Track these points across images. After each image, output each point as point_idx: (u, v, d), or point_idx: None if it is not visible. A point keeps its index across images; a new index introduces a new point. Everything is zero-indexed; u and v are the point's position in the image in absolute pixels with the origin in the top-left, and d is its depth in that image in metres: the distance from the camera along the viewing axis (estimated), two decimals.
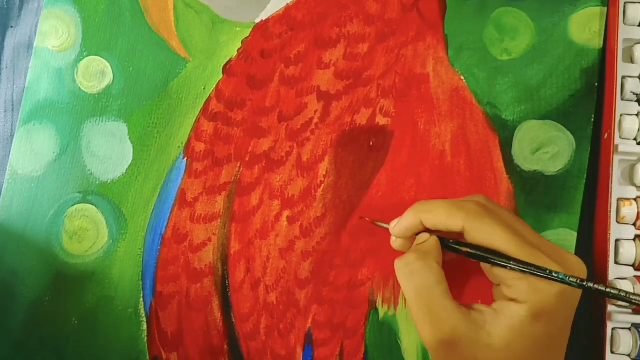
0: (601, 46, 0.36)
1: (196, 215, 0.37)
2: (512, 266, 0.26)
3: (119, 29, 0.39)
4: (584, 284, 0.25)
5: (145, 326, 0.36)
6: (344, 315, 0.35)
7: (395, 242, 0.31)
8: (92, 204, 0.37)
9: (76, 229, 0.37)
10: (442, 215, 0.28)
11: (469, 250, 0.28)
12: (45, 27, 0.39)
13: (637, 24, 0.36)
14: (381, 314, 0.35)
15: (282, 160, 0.37)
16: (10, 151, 0.38)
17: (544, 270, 0.25)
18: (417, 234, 0.30)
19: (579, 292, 0.26)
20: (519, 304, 0.26)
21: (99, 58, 0.38)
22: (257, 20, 0.38)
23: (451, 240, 0.29)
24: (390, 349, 0.35)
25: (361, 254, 0.36)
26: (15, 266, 0.37)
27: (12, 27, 0.41)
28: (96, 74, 0.38)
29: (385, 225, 0.32)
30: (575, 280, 0.25)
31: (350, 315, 0.35)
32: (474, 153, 0.36)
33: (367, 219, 0.35)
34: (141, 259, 0.37)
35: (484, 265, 0.28)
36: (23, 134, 0.38)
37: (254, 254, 0.36)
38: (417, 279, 0.27)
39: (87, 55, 0.38)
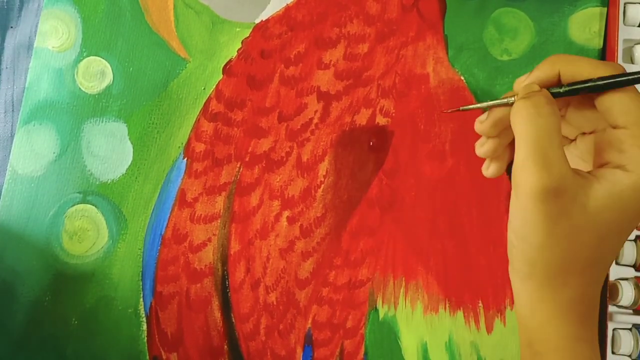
0: (601, 46, 0.36)
1: (196, 215, 0.37)
2: (630, 78, 0.24)
3: (119, 29, 0.39)
4: None
5: (145, 326, 0.36)
6: (343, 315, 0.35)
7: (485, 145, 0.30)
8: (92, 204, 0.37)
9: (76, 229, 0.37)
10: (586, 65, 0.26)
11: (574, 86, 0.26)
12: (45, 28, 0.39)
13: (637, 25, 0.36)
14: (381, 314, 0.35)
15: (282, 160, 0.37)
16: (10, 151, 0.38)
17: None
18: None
19: None
20: (625, 172, 0.25)
21: (99, 58, 0.38)
22: (257, 21, 0.38)
23: (552, 87, 0.27)
24: (390, 349, 0.35)
25: (361, 254, 0.36)
26: (15, 266, 0.37)
27: (12, 27, 0.41)
28: (96, 74, 0.38)
29: (473, 107, 0.30)
30: None
31: (350, 316, 0.35)
32: (474, 153, 0.36)
33: (449, 111, 0.31)
34: (141, 259, 0.37)
35: (573, 114, 0.28)
36: (23, 134, 0.38)
37: (253, 254, 0.36)
38: (542, 121, 0.26)
39: (87, 56, 0.38)
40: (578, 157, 0.29)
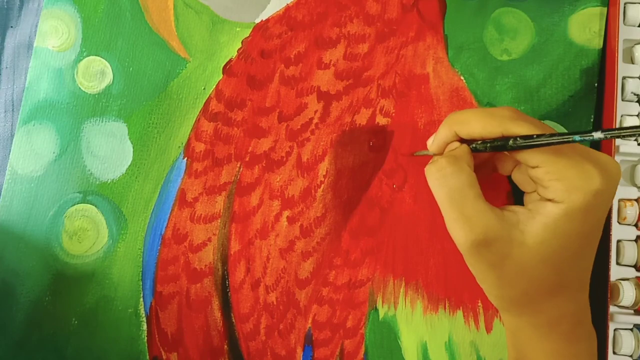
0: (601, 46, 0.36)
1: (196, 215, 0.37)
2: (549, 141, 0.25)
3: (119, 29, 0.39)
4: (607, 134, 0.24)
5: (145, 326, 0.36)
6: (343, 315, 0.35)
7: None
8: (92, 204, 0.37)
9: (76, 229, 0.37)
10: (476, 124, 0.28)
11: (495, 144, 0.27)
12: (45, 27, 0.39)
13: (637, 25, 0.36)
14: (381, 314, 0.35)
15: (282, 160, 0.37)
16: (10, 151, 0.38)
17: (566, 134, 0.25)
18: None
19: (614, 191, 0.26)
20: (555, 203, 0.26)
21: (98, 58, 0.38)
22: (257, 21, 0.38)
23: (477, 143, 0.29)
24: (390, 349, 0.35)
25: (361, 254, 0.36)
26: (15, 266, 0.37)
27: (12, 27, 0.41)
28: (96, 74, 0.38)
29: (424, 153, 0.32)
30: (599, 133, 0.24)
31: (350, 315, 0.35)
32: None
33: (404, 154, 0.35)
34: (141, 259, 0.37)
35: (517, 175, 0.29)
36: (23, 134, 0.38)
37: (254, 254, 0.36)
38: (449, 182, 0.27)
39: (87, 55, 0.38)
40: (524, 181, 0.30)
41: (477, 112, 0.28)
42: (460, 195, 0.27)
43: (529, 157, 0.27)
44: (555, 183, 0.26)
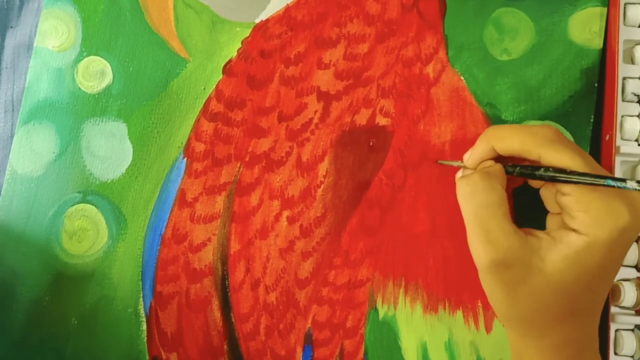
0: (601, 47, 0.36)
1: (196, 215, 0.37)
2: (579, 180, 0.25)
3: (119, 29, 0.39)
4: None
5: (144, 326, 0.36)
6: (343, 315, 0.35)
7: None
8: (92, 204, 0.37)
9: (76, 229, 0.37)
10: (515, 141, 0.28)
11: (525, 170, 0.28)
12: (45, 27, 0.39)
13: (638, 25, 0.36)
14: (381, 314, 0.35)
15: (282, 160, 0.37)
16: (10, 151, 0.38)
17: (599, 177, 0.25)
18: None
19: (639, 229, 0.26)
20: (578, 235, 0.26)
21: (98, 58, 0.38)
22: (257, 21, 0.38)
23: (507, 165, 0.29)
24: (390, 349, 0.35)
25: (361, 254, 0.36)
26: (15, 266, 0.37)
27: (12, 27, 0.41)
28: (96, 74, 0.38)
29: (454, 163, 0.32)
30: (633, 183, 0.25)
31: (350, 315, 0.35)
32: None
33: (429, 161, 0.35)
34: (141, 259, 0.37)
35: (545, 192, 0.29)
36: (23, 133, 0.38)
37: (253, 254, 0.36)
38: (478, 198, 0.27)
39: (87, 55, 0.38)
40: (551, 200, 0.30)
41: (517, 129, 0.28)
42: (488, 212, 0.27)
43: (561, 184, 0.27)
44: (583, 214, 0.26)
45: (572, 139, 0.35)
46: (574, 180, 0.26)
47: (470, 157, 0.30)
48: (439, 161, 0.34)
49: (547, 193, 0.29)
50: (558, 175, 0.26)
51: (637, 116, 0.35)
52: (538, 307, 0.27)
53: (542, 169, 0.27)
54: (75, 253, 0.37)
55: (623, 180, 0.24)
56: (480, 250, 0.27)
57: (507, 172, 0.29)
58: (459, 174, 0.32)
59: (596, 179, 0.25)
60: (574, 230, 0.26)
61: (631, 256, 0.33)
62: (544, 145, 0.27)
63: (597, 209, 0.25)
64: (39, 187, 0.37)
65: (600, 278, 0.27)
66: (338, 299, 0.35)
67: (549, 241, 0.26)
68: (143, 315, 0.36)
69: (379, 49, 0.37)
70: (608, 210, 0.25)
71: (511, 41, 0.37)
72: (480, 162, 0.30)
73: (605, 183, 0.25)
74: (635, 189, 0.24)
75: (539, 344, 0.28)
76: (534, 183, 0.31)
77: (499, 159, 0.30)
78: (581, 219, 0.26)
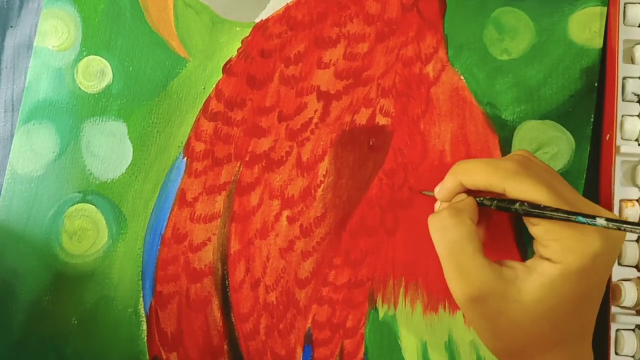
0: (601, 46, 0.36)
1: (196, 215, 0.37)
2: (553, 215, 0.26)
3: (119, 29, 0.39)
4: (609, 223, 0.25)
5: (144, 326, 0.36)
6: (343, 315, 0.35)
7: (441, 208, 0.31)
8: (92, 204, 0.37)
9: (76, 228, 0.37)
10: (481, 176, 0.28)
11: (502, 204, 0.28)
12: (45, 27, 0.39)
13: (638, 25, 0.36)
14: (381, 314, 0.35)
15: (282, 160, 0.37)
16: (10, 151, 0.38)
17: (570, 213, 0.25)
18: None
19: (615, 254, 0.27)
20: (551, 263, 0.26)
21: (98, 58, 0.38)
22: (257, 20, 0.38)
23: (485, 198, 0.29)
24: (390, 349, 0.35)
25: (361, 254, 0.36)
26: (15, 266, 0.37)
27: (12, 27, 0.41)
28: (96, 74, 0.38)
29: (431, 193, 0.32)
30: (602, 220, 0.25)
31: (350, 315, 0.35)
32: (474, 153, 0.36)
33: (413, 190, 0.35)
34: (141, 258, 0.37)
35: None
36: (23, 133, 0.38)
37: (253, 253, 0.36)
38: (449, 235, 0.27)
39: (87, 55, 0.38)
40: None
41: (482, 163, 0.28)
42: (459, 248, 0.27)
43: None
44: (553, 243, 0.26)
45: (572, 139, 0.35)
46: (547, 215, 0.26)
47: (440, 191, 0.31)
48: (423, 192, 0.35)
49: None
50: (532, 210, 0.26)
51: (637, 116, 0.35)
52: (523, 337, 0.27)
53: (518, 204, 0.27)
54: (75, 253, 0.37)
55: (593, 217, 0.24)
56: (455, 286, 0.27)
57: (483, 205, 0.29)
58: (437, 206, 0.32)
59: (568, 215, 0.25)
60: (547, 259, 0.26)
61: (631, 256, 0.33)
62: (507, 178, 0.27)
63: (568, 237, 0.26)
64: (39, 187, 0.37)
65: (582, 303, 0.27)
66: (338, 298, 0.35)
67: (524, 271, 0.27)
68: (143, 315, 0.36)
69: (379, 49, 0.37)
70: (579, 238, 0.25)
71: (511, 41, 0.37)
72: (452, 196, 0.30)
73: (576, 220, 0.25)
74: (604, 227, 0.24)
75: None
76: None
77: (472, 191, 0.30)
78: (553, 247, 0.26)
